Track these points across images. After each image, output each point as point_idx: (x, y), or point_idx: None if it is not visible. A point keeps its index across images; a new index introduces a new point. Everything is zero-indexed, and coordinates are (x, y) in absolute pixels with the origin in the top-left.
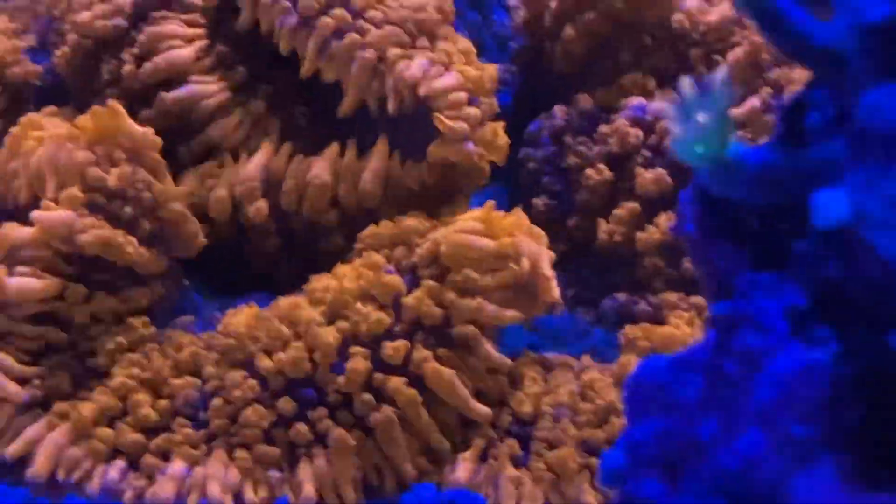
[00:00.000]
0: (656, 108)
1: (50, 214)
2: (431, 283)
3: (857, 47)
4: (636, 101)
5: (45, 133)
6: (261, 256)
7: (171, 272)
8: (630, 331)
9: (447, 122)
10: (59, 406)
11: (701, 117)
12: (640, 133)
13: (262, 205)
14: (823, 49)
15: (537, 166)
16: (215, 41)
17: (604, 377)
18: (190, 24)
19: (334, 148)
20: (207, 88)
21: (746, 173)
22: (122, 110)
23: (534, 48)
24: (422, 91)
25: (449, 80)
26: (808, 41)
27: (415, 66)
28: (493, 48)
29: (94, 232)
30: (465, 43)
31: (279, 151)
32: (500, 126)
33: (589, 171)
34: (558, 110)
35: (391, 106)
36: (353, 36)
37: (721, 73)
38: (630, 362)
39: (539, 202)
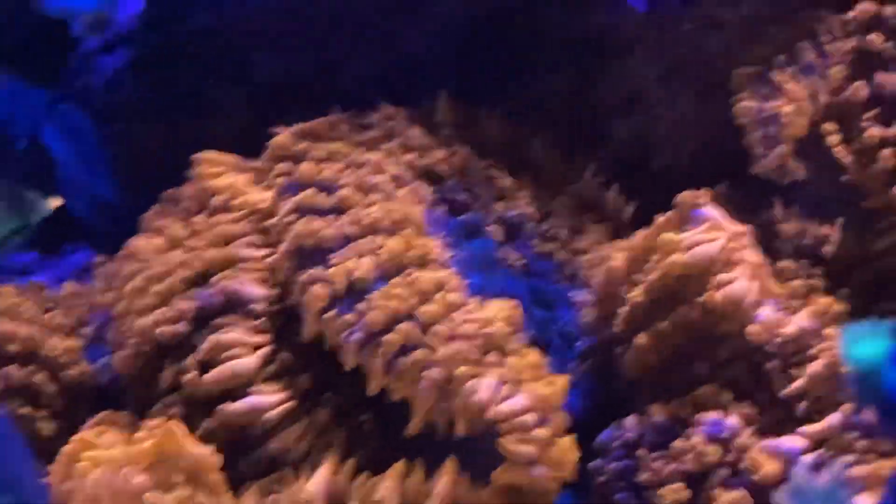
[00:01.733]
0: (733, 426)
1: None
2: None
3: None
4: (712, 416)
5: (100, 454)
6: None
7: None
8: None
9: (514, 447)
10: None
11: None
12: (718, 451)
13: None
14: None
15: (609, 480)
16: (279, 347)
17: None
18: (254, 331)
19: (401, 468)
20: (270, 400)
21: None
22: (181, 431)
23: (603, 349)
24: (490, 415)
25: (518, 402)
26: None
27: (483, 388)
28: (560, 347)
29: None
30: (534, 355)
31: (343, 468)
32: (570, 442)
33: (664, 490)
34: (630, 422)
35: (459, 429)
36: (420, 353)
37: (836, 470)
38: None
39: None
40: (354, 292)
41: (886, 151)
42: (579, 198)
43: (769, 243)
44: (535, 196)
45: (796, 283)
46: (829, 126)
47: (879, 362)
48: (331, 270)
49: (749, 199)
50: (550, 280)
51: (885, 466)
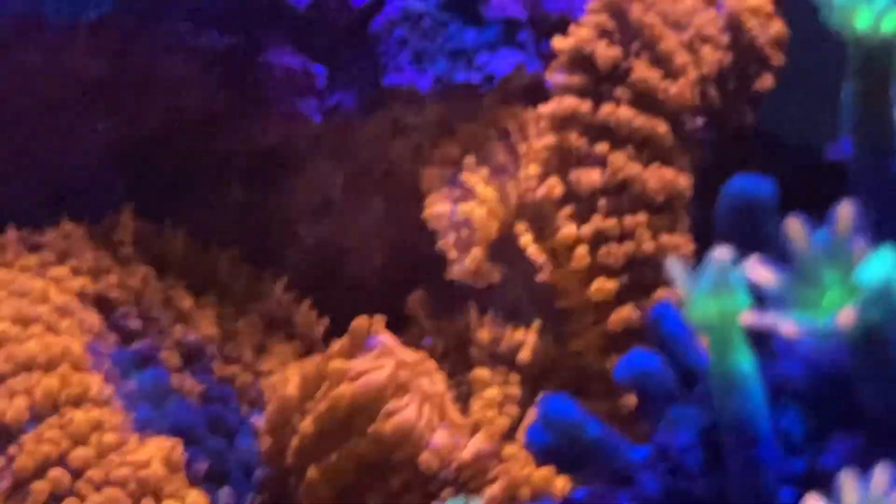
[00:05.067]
0: None
1: None
2: None
3: None
4: None
5: None
6: None
7: None
8: None
9: None
10: None
11: None
12: None
13: None
14: None
15: None
16: None
17: None
18: None
19: None
20: None
21: None
22: None
23: (279, 480)
24: None
25: None
26: None
27: None
28: (239, 477)
29: None
30: (194, 497)
31: None
32: None
33: None
34: None
35: None
36: (70, 502)
37: None
38: None
39: None
40: (4, 435)
41: (581, 250)
42: (269, 315)
43: (465, 350)
44: (219, 316)
45: (491, 391)
46: (521, 226)
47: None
48: None
49: (445, 305)
50: (230, 406)
51: None
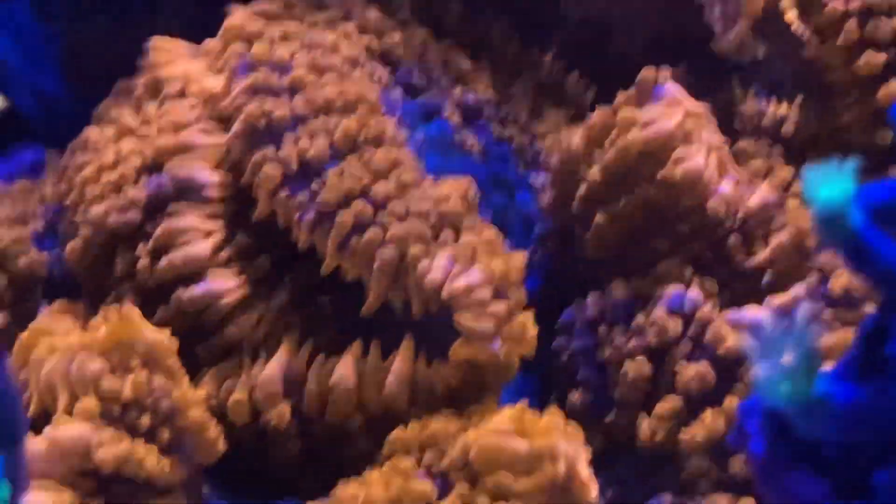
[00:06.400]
0: (694, 299)
1: (64, 432)
2: (465, 488)
3: None
4: (674, 290)
5: (56, 341)
6: (283, 461)
7: (190, 480)
8: None
9: (470, 322)
10: None
11: (786, 357)
12: (680, 325)
13: (283, 409)
14: None
15: (572, 358)
16: (234, 231)
17: None
18: (207, 216)
19: (357, 348)
20: (225, 286)
21: (835, 413)
22: (136, 315)
23: (561, 231)
24: (445, 294)
25: (472, 277)
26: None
27: (436, 267)
28: (519, 231)
29: (110, 449)
30: (490, 232)
31: (300, 351)
32: (529, 318)
33: (627, 365)
34: (591, 300)
35: (415, 309)
36: (374, 231)
37: (804, 309)
38: None
39: (574, 396)
40: (307, 172)
41: (850, 24)
42: (539, 82)
43: (728, 124)
44: (493, 80)
45: (756, 162)
46: (786, 1)
47: (844, 203)
48: (283, 150)
49: (708, 79)
50: (509, 164)
51: (850, 335)
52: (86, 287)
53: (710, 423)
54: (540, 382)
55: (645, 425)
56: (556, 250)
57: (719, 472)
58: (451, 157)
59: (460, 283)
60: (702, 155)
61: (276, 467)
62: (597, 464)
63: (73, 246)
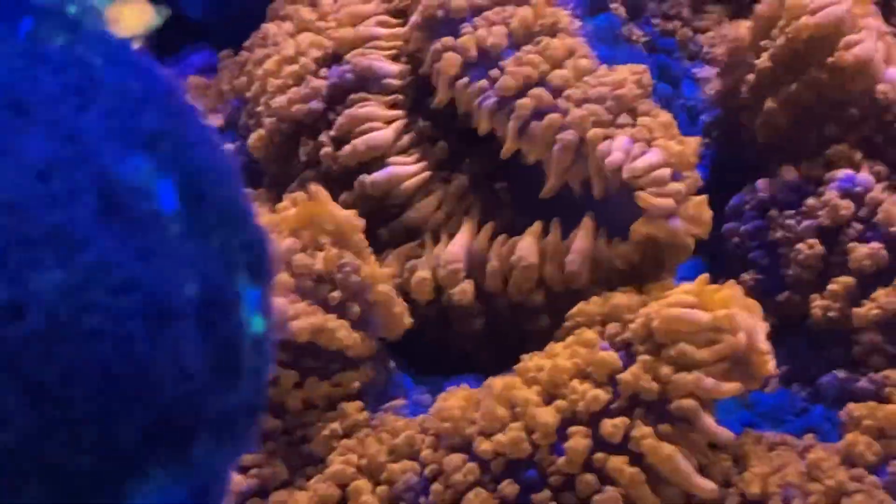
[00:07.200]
0: (865, 180)
1: None
2: (647, 358)
3: None
4: (844, 172)
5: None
6: (464, 338)
7: (378, 355)
8: (854, 409)
9: (651, 199)
10: (277, 495)
11: None
12: (852, 205)
13: (467, 287)
14: None
15: (743, 241)
16: (415, 117)
17: (830, 457)
18: (388, 104)
19: (538, 227)
20: (407, 170)
21: None
22: (325, 194)
23: (729, 120)
24: (625, 174)
25: (652, 157)
26: None
27: (616, 148)
28: (684, 121)
29: (305, 319)
30: (665, 116)
31: (481, 231)
32: (703, 200)
33: (799, 246)
34: (762, 183)
35: (596, 190)
36: (553, 116)
37: None
38: (857, 441)
39: (747, 277)
40: (486, 59)
41: None
42: None
43: (888, 17)
44: None
45: None
46: None
47: None
48: (462, 38)
49: None
50: (674, 57)
51: None
52: (270, 175)
53: (883, 300)
54: (706, 267)
55: (818, 303)
56: (723, 139)
57: (892, 348)
58: (618, 48)
59: (641, 162)
60: (872, 40)
61: (458, 345)
62: (771, 340)
63: (257, 135)
